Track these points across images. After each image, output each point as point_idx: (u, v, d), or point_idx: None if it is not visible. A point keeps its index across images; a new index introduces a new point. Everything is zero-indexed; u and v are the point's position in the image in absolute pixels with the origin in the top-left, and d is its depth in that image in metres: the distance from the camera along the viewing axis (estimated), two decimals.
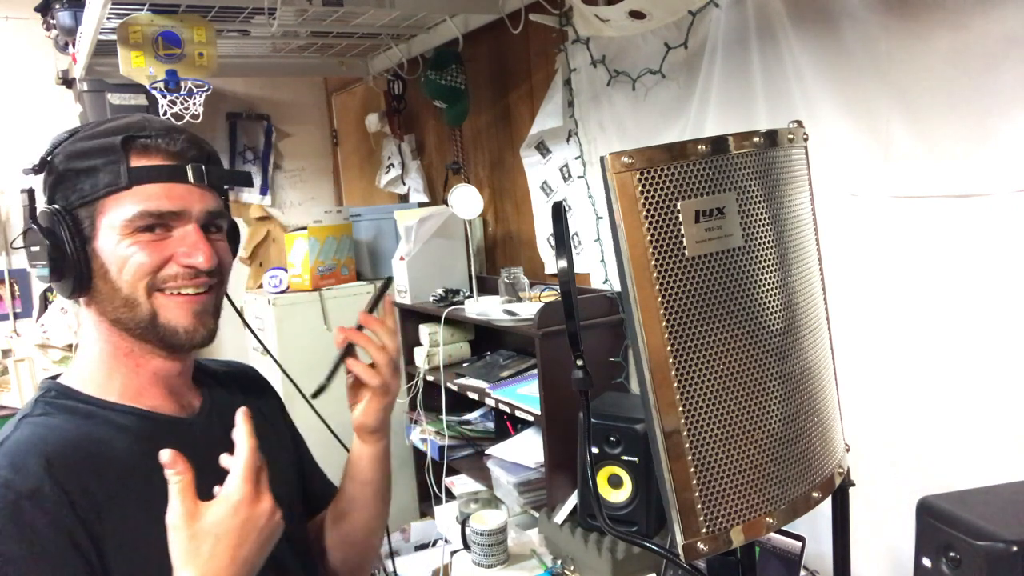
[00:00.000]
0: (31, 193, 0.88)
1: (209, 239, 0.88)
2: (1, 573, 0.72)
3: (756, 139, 0.73)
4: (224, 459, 0.80)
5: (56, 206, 0.84)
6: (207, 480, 0.79)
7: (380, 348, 0.98)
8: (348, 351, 0.99)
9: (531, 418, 2.04)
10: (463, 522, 2.00)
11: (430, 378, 2.56)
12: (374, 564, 1.17)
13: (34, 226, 0.85)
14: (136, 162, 0.84)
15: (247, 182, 1.02)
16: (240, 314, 1.14)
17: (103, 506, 0.79)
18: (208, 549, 0.73)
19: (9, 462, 0.77)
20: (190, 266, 0.85)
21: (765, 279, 0.72)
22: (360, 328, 0.99)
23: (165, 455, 0.75)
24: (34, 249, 0.85)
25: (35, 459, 0.77)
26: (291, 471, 1.09)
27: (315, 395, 0.97)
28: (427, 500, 2.81)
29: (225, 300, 0.96)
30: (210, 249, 0.87)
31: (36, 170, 0.87)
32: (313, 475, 1.16)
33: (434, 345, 2.56)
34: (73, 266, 0.84)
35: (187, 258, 0.85)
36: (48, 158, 0.87)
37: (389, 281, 1.03)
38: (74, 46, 2.65)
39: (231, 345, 1.99)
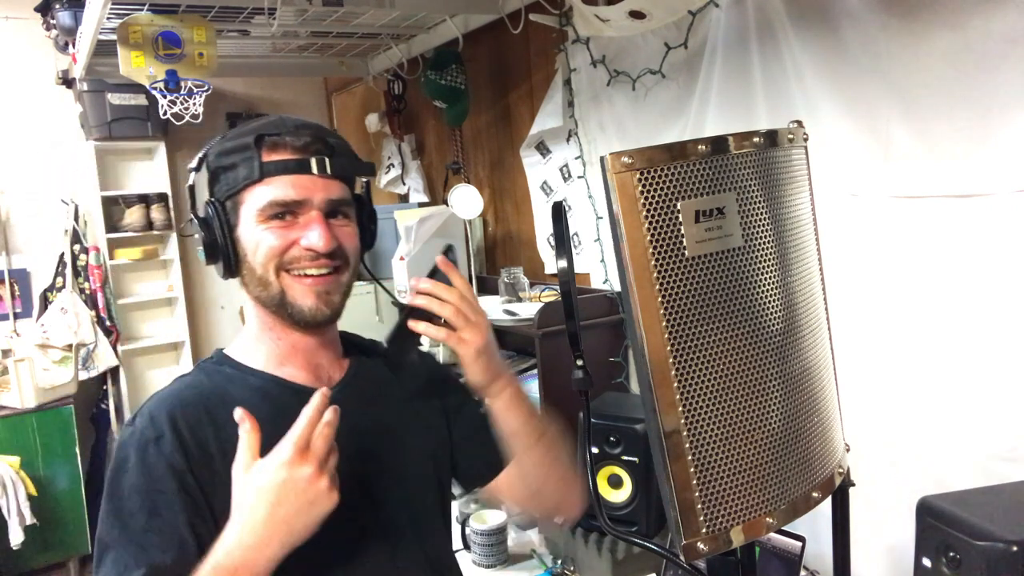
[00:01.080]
0: (191, 188, 1.00)
1: (332, 224, 0.96)
2: (130, 498, 0.87)
3: (756, 139, 0.73)
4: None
5: (209, 199, 0.96)
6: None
7: (442, 303, 0.97)
8: (410, 314, 0.98)
9: None
10: (463, 522, 2.00)
11: None
12: (577, 489, 1.15)
13: (193, 217, 0.97)
14: (267, 157, 0.94)
15: (370, 172, 1.06)
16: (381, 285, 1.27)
17: (215, 455, 0.90)
18: (251, 502, 0.82)
19: (148, 411, 0.93)
20: (310, 248, 0.94)
21: (765, 279, 0.72)
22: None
23: (238, 412, 0.85)
24: (196, 236, 0.96)
25: (165, 412, 0.92)
26: (431, 447, 1.10)
27: (394, 368, 1.05)
28: None
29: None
30: (328, 233, 0.95)
31: (194, 169, 0.99)
32: (470, 450, 1.13)
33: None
34: (222, 251, 0.96)
35: (307, 241, 0.94)
36: (202, 158, 0.98)
37: (449, 247, 1.03)
38: (74, 46, 2.65)
39: None
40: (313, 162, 0.94)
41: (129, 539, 0.85)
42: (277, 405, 0.94)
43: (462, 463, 1.14)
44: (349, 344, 1.11)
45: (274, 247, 0.94)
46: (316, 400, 0.85)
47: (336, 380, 1.04)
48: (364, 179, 1.06)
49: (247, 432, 0.84)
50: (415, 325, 0.97)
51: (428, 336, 0.98)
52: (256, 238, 0.94)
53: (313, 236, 0.94)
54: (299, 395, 0.93)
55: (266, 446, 0.84)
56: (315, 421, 0.84)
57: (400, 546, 1.01)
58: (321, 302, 0.97)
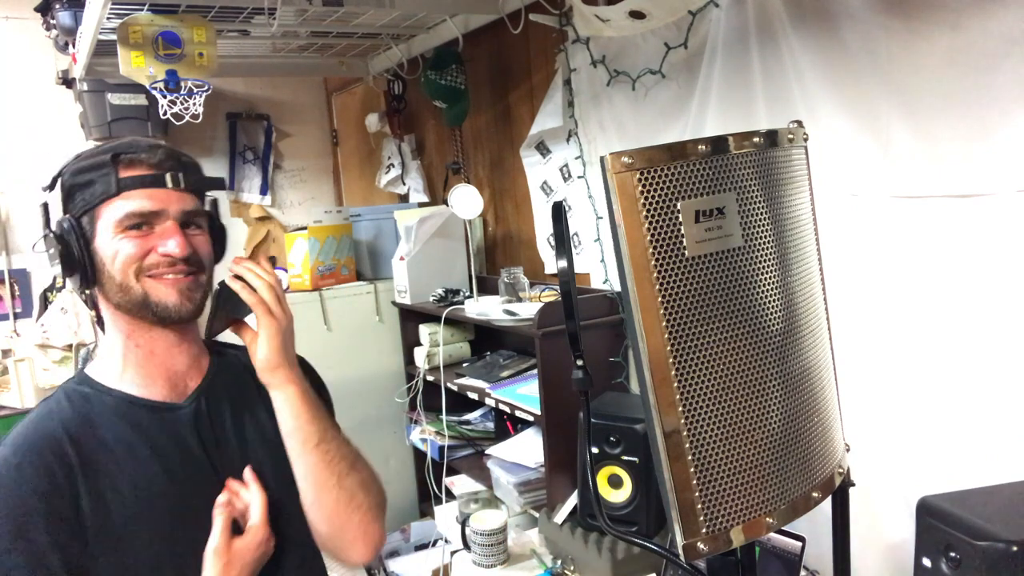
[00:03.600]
0: (46, 206, 1.06)
1: (187, 234, 1.04)
2: None
3: (756, 139, 0.73)
4: (243, 494, 1.06)
5: (65, 215, 1.02)
6: (184, 462, 1.03)
7: (257, 275, 1.07)
8: (224, 286, 1.07)
9: (531, 418, 2.04)
10: (463, 522, 2.00)
11: (430, 378, 2.57)
12: (359, 528, 1.09)
13: (49, 233, 1.03)
14: (124, 173, 1.02)
15: (220, 186, 1.15)
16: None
17: (77, 469, 0.97)
18: (236, 574, 0.98)
19: (10, 441, 0.98)
20: (166, 254, 1.01)
21: (765, 279, 0.72)
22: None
23: (222, 498, 1.02)
24: (50, 251, 1.02)
25: (25, 440, 0.98)
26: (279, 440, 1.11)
27: (209, 335, 1.12)
28: (427, 500, 2.82)
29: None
30: (184, 240, 1.02)
31: (49, 188, 1.05)
32: None
33: (434, 345, 2.57)
34: (79, 263, 1.01)
35: (164, 248, 1.01)
36: (56, 177, 1.04)
37: (272, 258, 1.15)
38: (74, 46, 2.65)
39: None
40: (168, 177, 1.02)
41: None
42: (134, 424, 1.02)
43: None
44: (216, 351, 1.17)
45: (132, 254, 1.00)
46: (254, 480, 1.05)
47: (192, 388, 1.09)
48: (213, 195, 1.15)
49: (223, 514, 1.00)
50: (232, 283, 1.06)
51: (241, 295, 1.05)
52: (114, 247, 1.00)
53: (170, 244, 1.01)
54: (153, 412, 1.05)
55: (132, 463, 0.99)
56: (266, 500, 1.04)
57: (286, 551, 1.09)
58: (184, 298, 1.03)
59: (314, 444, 1.05)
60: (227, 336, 1.14)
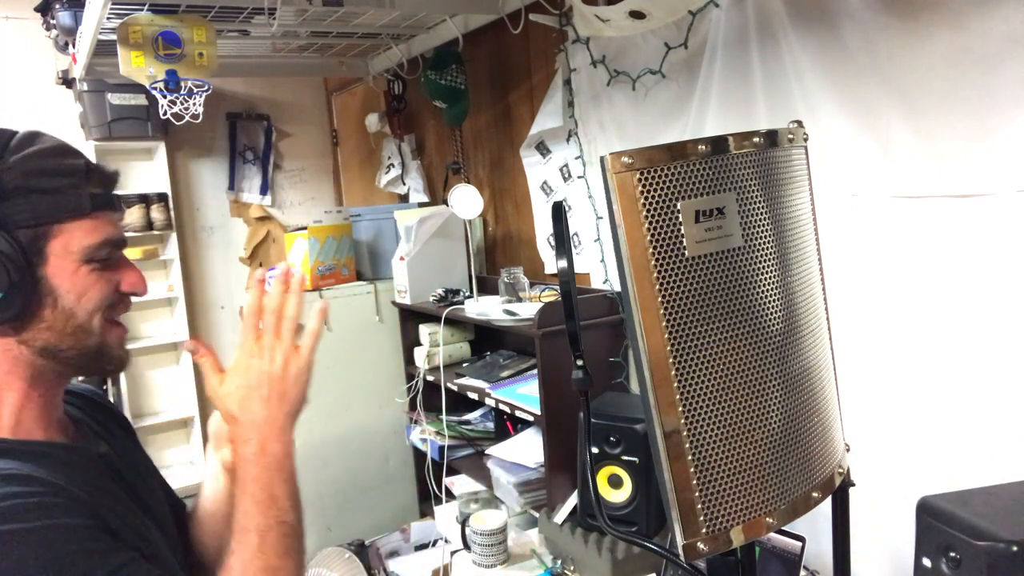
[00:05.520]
0: None
1: None
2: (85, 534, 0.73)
3: (756, 139, 0.73)
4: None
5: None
6: (129, 494, 0.86)
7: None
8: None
9: (531, 418, 2.04)
10: (463, 522, 2.00)
11: (430, 378, 2.57)
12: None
13: None
14: (94, 189, 0.82)
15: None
16: None
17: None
18: (252, 407, 0.84)
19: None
20: (134, 292, 0.87)
21: (765, 279, 0.72)
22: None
23: (189, 344, 0.89)
24: None
25: (43, 475, 0.76)
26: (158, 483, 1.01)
27: None
28: (427, 500, 2.82)
29: None
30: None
31: None
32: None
33: (434, 345, 2.57)
34: (24, 294, 0.78)
35: (133, 287, 0.86)
36: None
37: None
38: (74, 46, 2.65)
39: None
40: (116, 201, 0.86)
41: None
42: (71, 468, 0.80)
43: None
44: None
45: (105, 293, 0.82)
46: (254, 286, 0.87)
47: (74, 432, 0.89)
48: None
49: (205, 356, 0.87)
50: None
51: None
52: (83, 282, 0.80)
53: (141, 284, 0.86)
54: (75, 452, 0.84)
55: (107, 508, 0.78)
56: (258, 304, 0.86)
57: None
58: (126, 352, 0.89)
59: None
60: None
